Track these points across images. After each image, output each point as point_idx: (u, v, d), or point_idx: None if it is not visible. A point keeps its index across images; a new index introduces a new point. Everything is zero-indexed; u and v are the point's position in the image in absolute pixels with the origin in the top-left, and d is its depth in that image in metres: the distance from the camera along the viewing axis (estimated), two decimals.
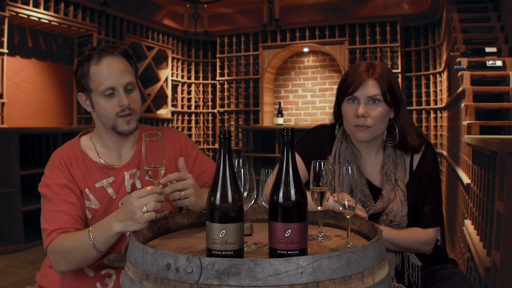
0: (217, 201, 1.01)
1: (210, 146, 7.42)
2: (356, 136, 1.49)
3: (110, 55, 1.43)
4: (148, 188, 1.20)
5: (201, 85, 7.40)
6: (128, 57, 1.48)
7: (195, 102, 7.38)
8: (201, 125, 7.41)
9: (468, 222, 2.74)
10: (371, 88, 1.45)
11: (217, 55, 7.09)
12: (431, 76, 6.10)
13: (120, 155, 1.53)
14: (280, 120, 6.68)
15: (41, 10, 4.85)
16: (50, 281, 1.48)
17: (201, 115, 7.41)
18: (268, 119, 6.88)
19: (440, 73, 5.88)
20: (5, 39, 4.50)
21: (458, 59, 3.29)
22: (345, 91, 1.49)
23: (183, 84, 7.20)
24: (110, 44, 1.49)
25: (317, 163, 1.24)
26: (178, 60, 7.10)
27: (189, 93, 7.32)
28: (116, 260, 1.46)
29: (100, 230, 1.27)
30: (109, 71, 1.41)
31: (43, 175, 1.47)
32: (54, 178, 1.43)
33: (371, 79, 1.45)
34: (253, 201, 1.23)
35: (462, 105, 3.19)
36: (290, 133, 1.04)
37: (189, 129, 7.32)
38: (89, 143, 1.53)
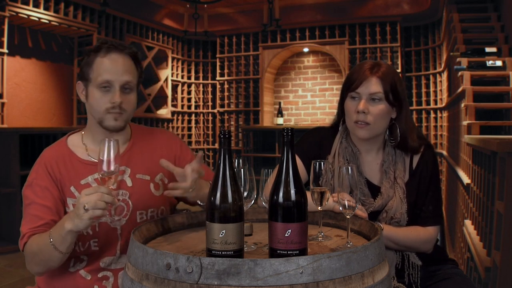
0: (217, 201, 1.01)
1: (210, 146, 7.42)
2: (355, 133, 1.51)
3: (119, 52, 1.44)
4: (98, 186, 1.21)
5: (201, 85, 7.40)
6: (135, 60, 1.49)
7: (195, 102, 7.37)
8: (201, 125, 7.40)
9: (468, 222, 2.74)
10: (373, 85, 1.47)
11: (217, 55, 7.09)
12: (431, 76, 6.09)
13: None
14: (280, 120, 6.68)
15: (41, 10, 4.85)
16: (48, 284, 1.48)
17: (201, 115, 7.40)
18: (268, 119, 6.87)
19: (440, 73, 5.88)
20: (5, 39, 4.50)
21: (458, 59, 3.29)
22: (348, 87, 1.52)
23: (183, 84, 7.20)
24: (122, 43, 1.49)
25: (317, 163, 1.24)
26: (178, 60, 7.10)
27: (189, 93, 7.32)
28: (112, 262, 1.46)
29: (56, 229, 1.28)
30: (111, 66, 1.42)
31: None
32: (38, 178, 1.44)
33: (374, 77, 1.47)
34: (253, 201, 1.23)
35: (462, 105, 3.19)
36: (290, 133, 1.04)
37: (189, 129, 7.32)
38: (79, 141, 1.53)
